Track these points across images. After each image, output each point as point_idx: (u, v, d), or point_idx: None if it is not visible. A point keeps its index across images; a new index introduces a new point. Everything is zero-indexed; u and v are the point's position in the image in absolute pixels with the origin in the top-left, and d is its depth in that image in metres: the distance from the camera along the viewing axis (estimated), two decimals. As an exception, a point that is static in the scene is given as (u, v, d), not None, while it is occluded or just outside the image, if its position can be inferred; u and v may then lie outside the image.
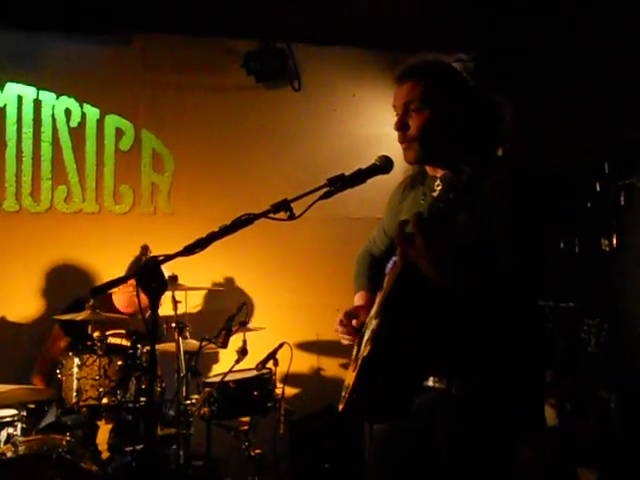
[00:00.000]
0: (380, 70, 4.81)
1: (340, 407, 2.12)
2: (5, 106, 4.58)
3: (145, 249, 3.98)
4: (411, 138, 2.16)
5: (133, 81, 4.68)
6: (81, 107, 4.66)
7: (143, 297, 1.88)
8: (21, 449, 2.96)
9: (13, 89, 4.59)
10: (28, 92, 4.60)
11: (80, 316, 3.40)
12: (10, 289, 4.41)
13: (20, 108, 4.59)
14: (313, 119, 4.93)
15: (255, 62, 4.70)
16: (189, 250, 2.05)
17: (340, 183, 2.13)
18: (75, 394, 3.17)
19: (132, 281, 3.84)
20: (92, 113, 4.67)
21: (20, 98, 4.60)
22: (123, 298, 4.01)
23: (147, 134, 4.73)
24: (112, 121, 4.70)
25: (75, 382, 3.16)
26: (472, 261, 2.00)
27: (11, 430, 3.18)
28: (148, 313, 1.97)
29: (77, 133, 4.65)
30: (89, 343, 3.30)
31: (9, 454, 2.93)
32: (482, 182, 1.92)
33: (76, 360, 3.19)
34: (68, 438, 3.06)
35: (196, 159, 4.76)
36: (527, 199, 2.06)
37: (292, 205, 2.07)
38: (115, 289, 3.95)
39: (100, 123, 4.68)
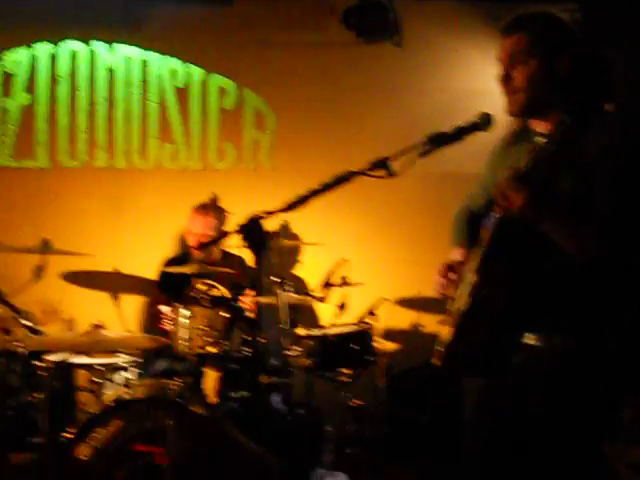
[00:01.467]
0: (482, 24, 4.69)
1: (435, 360, 2.15)
2: (114, 67, 4.77)
3: (215, 198, 4.13)
4: (516, 89, 2.14)
5: (235, 41, 4.76)
6: (186, 67, 4.80)
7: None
8: (136, 392, 3.17)
9: (122, 50, 4.77)
10: (135, 53, 4.78)
11: (189, 269, 3.56)
12: (121, 243, 4.64)
13: (128, 69, 4.78)
14: (414, 74, 4.88)
15: (355, 17, 4.69)
16: (291, 207, 2.11)
17: (439, 141, 2.14)
18: (185, 343, 3.33)
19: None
20: (196, 73, 4.81)
21: (128, 59, 4.78)
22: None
23: (249, 92, 4.83)
24: (215, 80, 4.82)
25: (185, 332, 3.32)
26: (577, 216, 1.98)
27: (128, 374, 3.40)
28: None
29: (182, 93, 4.80)
30: (193, 295, 3.44)
31: (126, 396, 3.15)
32: (586, 135, 1.88)
33: (186, 311, 3.34)
34: (178, 383, 3.24)
35: (297, 116, 4.82)
36: (633, 153, 2.00)
37: (390, 161, 2.10)
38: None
39: (204, 83, 4.81)
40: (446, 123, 2.20)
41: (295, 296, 3.77)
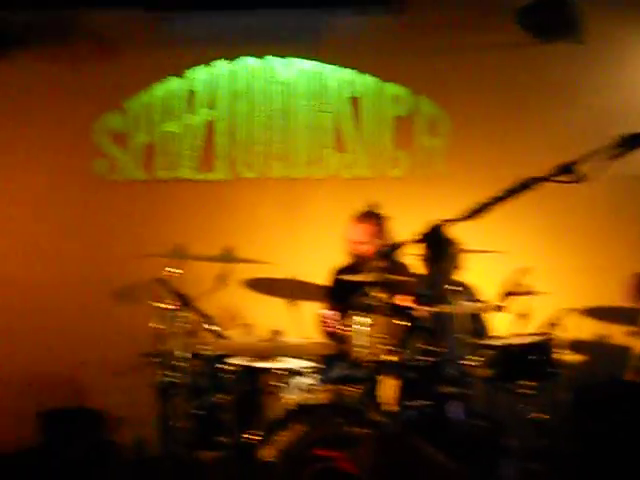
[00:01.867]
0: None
1: (631, 376, 2.02)
2: (289, 81, 4.91)
3: (373, 205, 4.10)
4: None
5: (409, 48, 4.76)
6: (360, 77, 4.85)
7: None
8: (318, 397, 3.24)
9: (296, 64, 4.91)
10: (310, 66, 4.90)
11: (364, 277, 3.57)
12: (298, 251, 4.76)
13: (303, 82, 4.90)
14: (596, 72, 4.65)
15: (532, 16, 4.53)
16: (472, 215, 2.06)
17: (634, 142, 2.01)
18: (361, 350, 3.35)
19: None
20: (371, 82, 4.85)
21: (303, 72, 4.91)
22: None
23: (423, 99, 4.81)
24: (390, 89, 4.84)
25: (363, 339, 3.34)
26: None
27: (306, 379, 3.47)
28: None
29: (356, 102, 4.86)
30: (370, 303, 3.44)
31: (308, 401, 3.22)
32: None
33: (365, 319, 3.36)
34: (355, 390, 3.27)
35: (472, 121, 4.74)
36: None
37: (577, 165, 2.00)
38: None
39: (378, 91, 4.85)
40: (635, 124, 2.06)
41: (474, 305, 3.69)
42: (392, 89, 4.84)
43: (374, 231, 4.10)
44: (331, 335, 3.84)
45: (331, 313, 3.71)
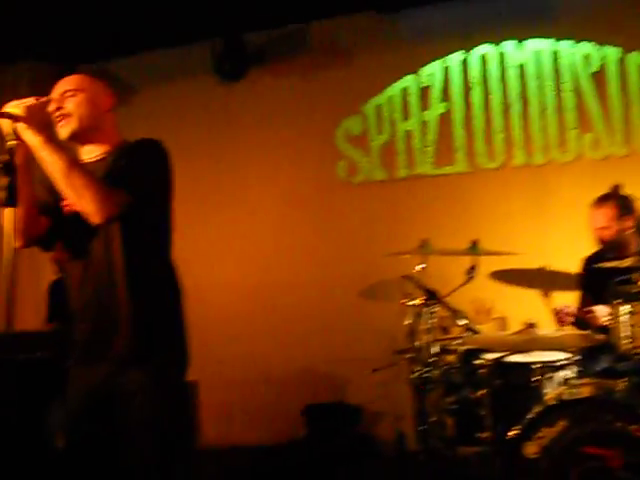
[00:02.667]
0: None
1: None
2: (524, 63, 4.74)
3: (616, 187, 3.77)
4: None
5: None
6: (600, 50, 4.56)
7: None
8: (579, 391, 3.08)
9: (531, 45, 4.72)
10: (545, 45, 4.69)
11: (625, 263, 3.35)
12: (547, 240, 4.58)
13: (539, 63, 4.71)
14: None
15: None
16: None
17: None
18: (628, 341, 3.13)
19: None
20: (612, 54, 4.54)
21: (538, 53, 4.71)
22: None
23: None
24: (634, 58, 4.50)
25: (627, 329, 3.13)
26: None
27: (567, 372, 3.32)
28: None
29: (597, 77, 4.58)
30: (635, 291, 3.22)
31: (565, 396, 3.07)
32: None
33: (627, 307, 3.15)
34: (623, 383, 3.06)
35: None
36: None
37: None
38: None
39: (621, 63, 4.52)
40: None
41: None
42: (638, 58, 4.49)
43: (615, 215, 3.82)
44: (582, 326, 3.64)
45: (566, 306, 3.51)
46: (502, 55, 4.80)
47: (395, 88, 5.03)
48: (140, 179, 2.26)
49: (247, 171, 5.33)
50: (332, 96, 5.12)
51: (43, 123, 2.16)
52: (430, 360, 3.75)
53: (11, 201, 2.05)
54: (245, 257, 5.27)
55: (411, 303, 3.85)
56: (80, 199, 2.13)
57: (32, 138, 2.11)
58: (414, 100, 4.99)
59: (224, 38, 5.19)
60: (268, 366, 5.07)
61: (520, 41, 4.74)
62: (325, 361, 4.96)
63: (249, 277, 5.20)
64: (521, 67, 4.76)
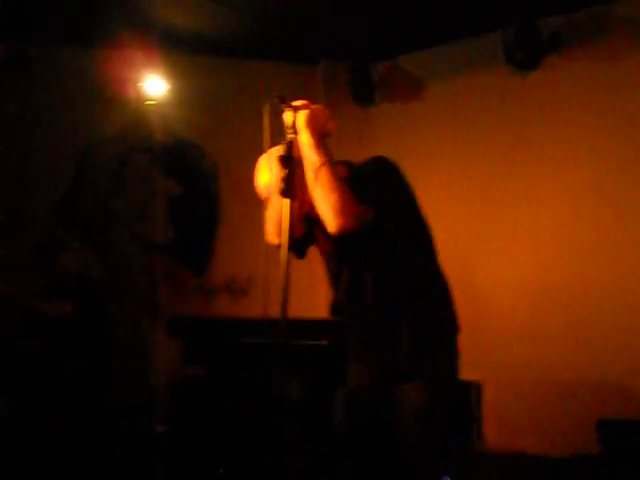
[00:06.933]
0: None
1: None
2: None
3: None
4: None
5: None
6: None
7: None
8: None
9: None
10: None
11: None
12: None
13: None
14: None
15: None
16: None
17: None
18: None
19: None
20: None
21: None
22: None
23: None
24: None
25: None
26: None
27: None
28: None
29: None
30: None
31: None
32: None
33: None
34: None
35: None
36: None
37: None
38: None
39: None
40: None
41: None
42: None
43: None
44: None
45: None
46: None
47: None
48: (387, 198, 2.22)
49: (539, 167, 5.04)
50: (636, 81, 4.63)
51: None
52: None
53: (289, 193, 2.10)
54: (537, 255, 4.97)
55: None
56: (323, 201, 2.14)
57: (306, 137, 2.15)
58: None
59: (516, 25, 4.94)
60: (559, 371, 4.73)
61: None
62: (624, 371, 4.51)
63: (542, 276, 4.90)
64: None
